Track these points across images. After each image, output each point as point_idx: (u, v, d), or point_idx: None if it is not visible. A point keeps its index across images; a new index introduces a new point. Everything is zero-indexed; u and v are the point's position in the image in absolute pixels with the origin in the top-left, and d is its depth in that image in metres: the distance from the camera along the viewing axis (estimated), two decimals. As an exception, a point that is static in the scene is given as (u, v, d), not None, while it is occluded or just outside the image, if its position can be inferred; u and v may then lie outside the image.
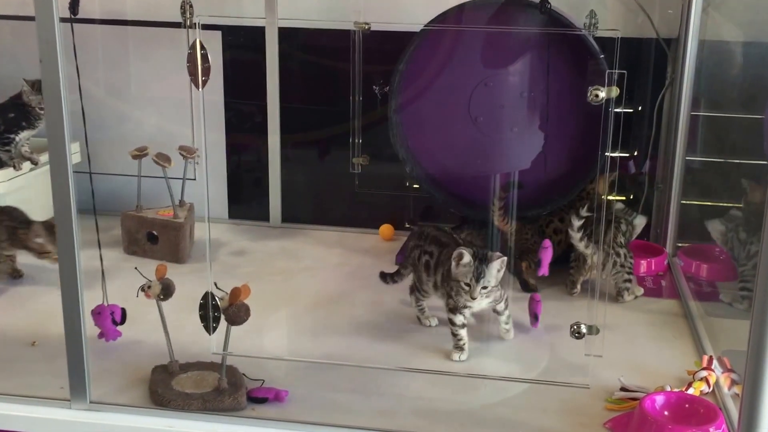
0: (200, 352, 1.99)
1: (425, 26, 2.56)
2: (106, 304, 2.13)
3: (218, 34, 2.98)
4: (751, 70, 2.72)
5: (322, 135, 3.14)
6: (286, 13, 2.90)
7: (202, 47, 1.63)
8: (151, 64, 3.08)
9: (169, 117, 3.10)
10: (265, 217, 3.11)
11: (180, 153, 2.75)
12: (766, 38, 2.69)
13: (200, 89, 1.64)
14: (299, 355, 2.13)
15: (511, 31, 2.54)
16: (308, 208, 3.19)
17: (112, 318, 2.13)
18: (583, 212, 2.32)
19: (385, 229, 3.01)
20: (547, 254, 2.27)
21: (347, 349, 2.16)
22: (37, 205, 2.84)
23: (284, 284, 2.59)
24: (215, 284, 1.82)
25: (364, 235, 3.03)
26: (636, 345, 2.20)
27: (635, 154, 3.00)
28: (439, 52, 2.64)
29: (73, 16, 1.91)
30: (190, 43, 1.72)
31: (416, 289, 2.29)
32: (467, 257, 2.01)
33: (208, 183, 1.98)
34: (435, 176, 2.76)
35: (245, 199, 3.21)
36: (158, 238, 2.72)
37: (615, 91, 1.74)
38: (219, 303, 1.79)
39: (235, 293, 1.78)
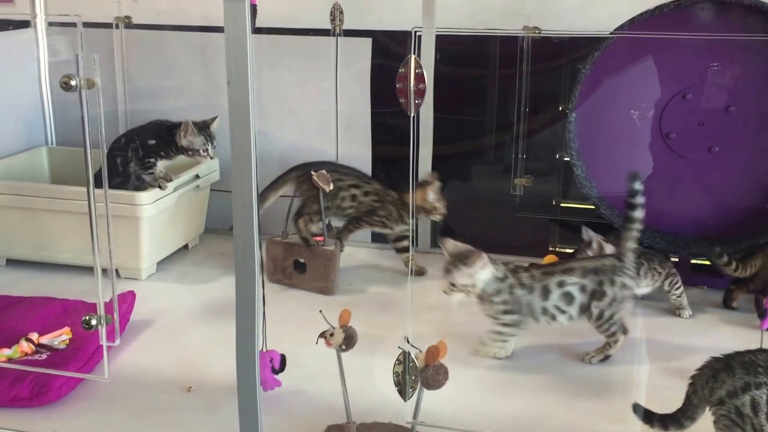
0: (371, 407, 1.75)
1: (612, 33, 2.25)
2: (265, 349, 1.87)
3: (368, 41, 2.73)
4: None
5: (479, 150, 2.86)
6: (443, 17, 2.61)
7: (418, 65, 1.35)
8: (293, 74, 2.84)
9: (310, 131, 2.87)
10: (413, 241, 2.83)
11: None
12: None
13: (411, 113, 1.37)
14: (486, 416, 1.84)
15: (718, 39, 2.21)
16: (461, 232, 2.89)
17: (271, 365, 1.88)
18: None
19: (551, 259, 2.66)
20: None
21: (542, 411, 1.87)
22: (181, 226, 2.70)
23: (446, 322, 2.30)
24: (407, 339, 1.54)
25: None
26: None
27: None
28: (627, 62, 2.33)
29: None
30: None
31: None
32: None
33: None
34: (612, 198, 2.45)
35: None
36: (306, 267, 2.47)
37: None
38: (415, 363, 1.51)
39: (433, 352, 1.51)
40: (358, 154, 2.83)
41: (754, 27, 2.22)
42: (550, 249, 2.76)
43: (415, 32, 1.40)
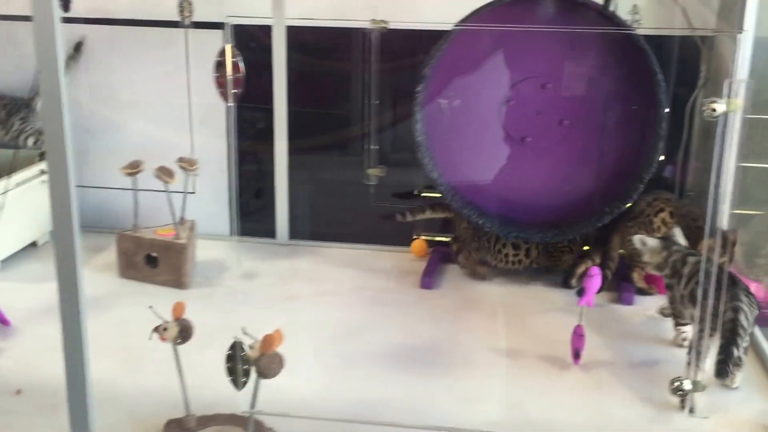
0: (215, 400, 1.74)
1: (457, 24, 2.30)
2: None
3: (219, 33, 2.70)
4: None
5: (332, 142, 2.88)
6: (294, 10, 2.62)
7: (234, 54, 1.35)
8: (143, 66, 2.79)
9: (165, 123, 2.82)
10: (271, 233, 2.83)
11: (180, 166, 2.48)
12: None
13: (229, 103, 1.37)
14: (330, 402, 1.87)
15: (552, 31, 2.30)
16: (318, 224, 2.93)
17: None
18: None
19: (419, 244, 2.75)
20: (592, 283, 2.01)
21: (385, 394, 1.90)
22: (27, 222, 2.63)
23: (301, 313, 2.33)
24: (243, 330, 1.54)
25: (381, 253, 2.77)
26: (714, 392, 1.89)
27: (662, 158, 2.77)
28: (470, 53, 2.39)
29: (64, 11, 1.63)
30: (218, 49, 1.43)
31: None
32: None
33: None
34: (460, 186, 2.52)
35: (249, 213, 2.93)
36: (158, 261, 2.44)
37: (736, 104, 1.45)
38: (249, 353, 1.51)
39: (268, 341, 1.52)
40: (214, 147, 2.81)
41: (590, 22, 2.31)
42: (414, 237, 2.81)
43: (230, 22, 1.39)
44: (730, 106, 1.44)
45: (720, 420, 1.77)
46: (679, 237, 2.10)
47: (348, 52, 2.73)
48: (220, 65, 1.35)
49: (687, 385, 1.52)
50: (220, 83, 1.36)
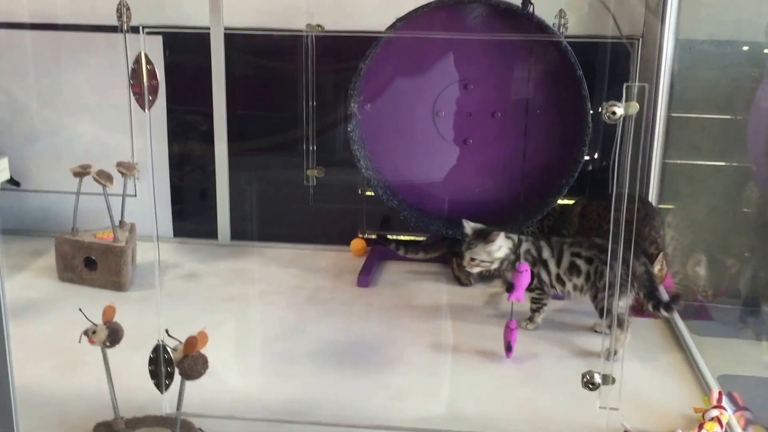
0: (148, 402, 1.74)
1: (386, 31, 2.36)
2: None
3: (159, 39, 2.74)
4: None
5: (273, 144, 2.93)
6: (231, 15, 2.67)
7: (149, 61, 1.39)
8: (85, 71, 2.81)
9: (105, 127, 2.85)
10: (212, 234, 2.87)
11: (119, 171, 2.51)
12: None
13: (146, 110, 1.41)
14: (263, 402, 1.90)
15: (480, 35, 2.37)
16: (259, 224, 2.97)
17: None
18: None
19: (358, 243, 2.80)
20: (522, 279, 2.07)
21: (319, 392, 1.94)
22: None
23: (240, 313, 2.37)
24: (167, 332, 1.58)
25: (321, 252, 2.82)
26: (628, 376, 1.99)
27: (595, 156, 2.86)
28: (401, 55, 2.45)
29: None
30: (135, 54, 1.47)
31: None
32: None
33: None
34: (394, 185, 2.59)
35: (191, 215, 2.97)
36: (97, 264, 2.47)
37: (634, 107, 1.51)
38: (172, 355, 1.55)
39: (191, 343, 1.55)
40: (155, 152, 2.84)
41: (511, 24, 2.39)
42: (359, 235, 2.87)
43: (143, 27, 1.43)
44: (628, 110, 1.50)
45: (641, 411, 1.83)
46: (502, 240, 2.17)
47: (287, 55, 2.77)
48: (135, 73, 1.38)
49: (597, 378, 1.59)
50: (136, 90, 1.40)
